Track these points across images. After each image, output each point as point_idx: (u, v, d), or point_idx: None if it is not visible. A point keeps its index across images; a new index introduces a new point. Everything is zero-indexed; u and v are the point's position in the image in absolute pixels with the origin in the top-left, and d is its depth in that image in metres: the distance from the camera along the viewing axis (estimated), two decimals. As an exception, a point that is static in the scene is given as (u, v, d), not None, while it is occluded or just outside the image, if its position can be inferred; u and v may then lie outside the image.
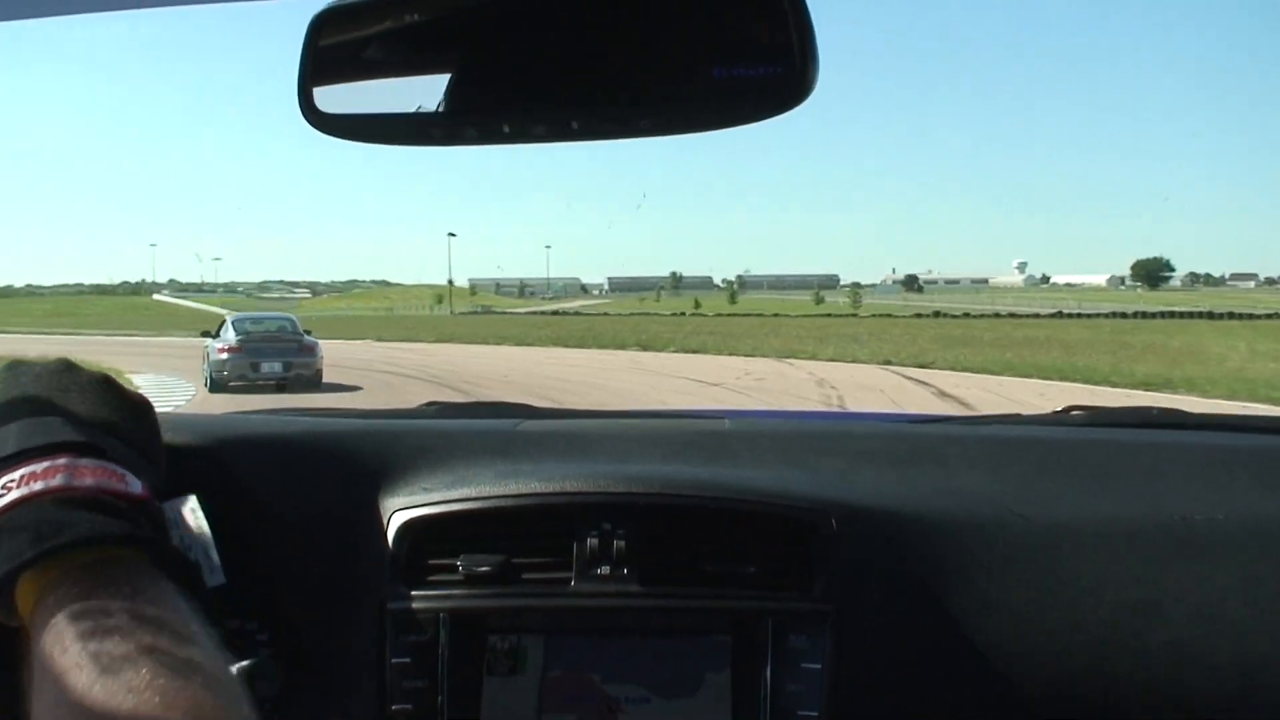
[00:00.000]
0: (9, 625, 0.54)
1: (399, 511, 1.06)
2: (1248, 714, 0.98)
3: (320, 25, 0.75)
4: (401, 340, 38.04)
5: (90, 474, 0.58)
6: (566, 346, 33.07)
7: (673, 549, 1.04)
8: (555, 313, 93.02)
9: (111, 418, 0.66)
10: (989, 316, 69.94)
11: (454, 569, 1.04)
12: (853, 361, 24.42)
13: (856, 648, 1.00)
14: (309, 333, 17.16)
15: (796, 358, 25.94)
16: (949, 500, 1.07)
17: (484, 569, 1.03)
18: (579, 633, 1.03)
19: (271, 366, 15.54)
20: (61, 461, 0.57)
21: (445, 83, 0.74)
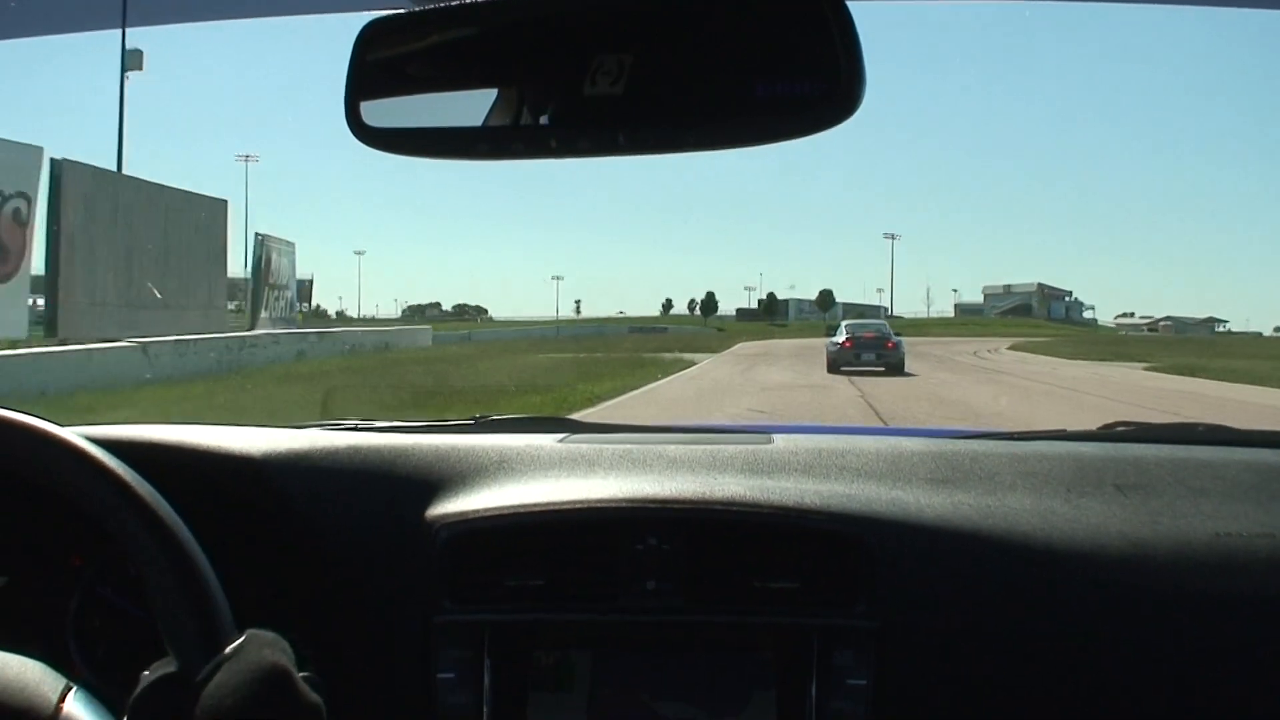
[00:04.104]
0: None
1: (444, 526, 1.06)
2: None
3: (367, 40, 0.76)
4: None
5: None
6: None
7: (718, 565, 1.05)
8: None
9: None
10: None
11: (500, 583, 1.05)
12: None
13: (901, 664, 1.00)
14: (898, 334, 25.13)
15: None
16: (992, 518, 1.07)
17: (530, 583, 1.04)
18: (625, 648, 1.03)
19: (868, 356, 22.76)
20: None
21: (492, 97, 0.75)
